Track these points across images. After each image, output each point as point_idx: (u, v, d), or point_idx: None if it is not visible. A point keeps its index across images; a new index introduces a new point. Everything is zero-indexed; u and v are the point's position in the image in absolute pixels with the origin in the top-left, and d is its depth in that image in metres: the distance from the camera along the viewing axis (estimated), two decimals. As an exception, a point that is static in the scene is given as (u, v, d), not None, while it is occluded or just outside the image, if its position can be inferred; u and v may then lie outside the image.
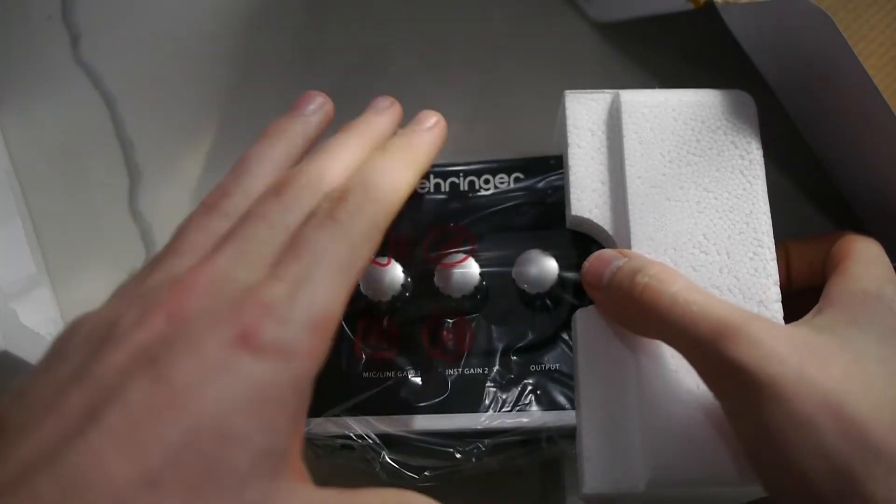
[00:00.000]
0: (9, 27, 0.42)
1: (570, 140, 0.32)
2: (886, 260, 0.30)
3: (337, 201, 0.26)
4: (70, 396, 0.22)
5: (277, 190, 0.26)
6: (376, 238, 0.26)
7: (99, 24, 0.42)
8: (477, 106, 0.41)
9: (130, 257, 0.39)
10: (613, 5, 0.39)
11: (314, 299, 0.23)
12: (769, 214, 0.31)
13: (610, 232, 0.31)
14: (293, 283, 0.23)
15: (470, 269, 0.32)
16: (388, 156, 0.28)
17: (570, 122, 0.33)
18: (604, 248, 0.32)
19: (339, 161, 0.28)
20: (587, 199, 0.32)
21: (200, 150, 0.41)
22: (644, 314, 0.28)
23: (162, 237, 0.39)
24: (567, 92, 0.33)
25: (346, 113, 0.30)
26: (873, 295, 0.28)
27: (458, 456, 0.31)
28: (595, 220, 0.32)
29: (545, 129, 0.37)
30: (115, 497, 0.20)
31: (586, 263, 0.30)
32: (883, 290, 0.29)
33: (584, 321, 0.30)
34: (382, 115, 0.31)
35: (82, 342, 0.23)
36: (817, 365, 0.25)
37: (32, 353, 0.33)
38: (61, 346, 0.24)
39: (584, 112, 0.33)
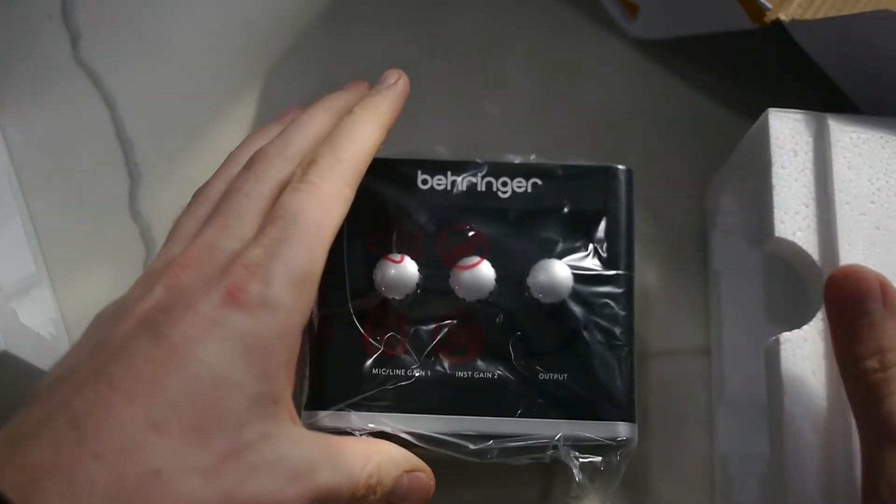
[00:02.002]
0: (9, 27, 0.42)
1: (773, 159, 0.31)
2: None
3: (308, 166, 0.28)
4: (85, 363, 0.25)
5: (249, 164, 0.29)
6: (347, 194, 0.28)
7: (99, 24, 0.42)
8: (511, 130, 0.41)
9: (130, 257, 0.39)
10: (662, 23, 0.39)
11: (293, 257, 0.26)
12: None
13: (815, 257, 0.30)
14: (272, 244, 0.26)
15: (485, 273, 0.31)
16: (354, 117, 0.30)
17: (773, 141, 0.32)
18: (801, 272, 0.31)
19: (306, 130, 0.30)
20: (791, 220, 0.31)
21: (200, 150, 0.41)
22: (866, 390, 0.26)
23: (162, 237, 0.39)
24: (770, 110, 0.32)
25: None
26: None
27: (459, 455, 0.31)
28: (800, 244, 0.31)
29: (589, 146, 0.37)
30: (124, 438, 0.23)
31: (846, 274, 0.27)
32: None
33: (794, 349, 0.29)
34: (350, 91, 0.33)
35: (99, 324, 0.26)
36: None
37: (32, 353, 0.33)
38: (86, 332, 0.27)
39: (788, 132, 0.32)
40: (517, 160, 0.34)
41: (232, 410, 0.24)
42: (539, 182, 0.33)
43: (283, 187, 0.28)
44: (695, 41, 0.38)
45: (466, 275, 0.31)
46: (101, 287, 0.39)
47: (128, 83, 0.41)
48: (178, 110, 0.41)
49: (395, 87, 0.32)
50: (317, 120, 0.31)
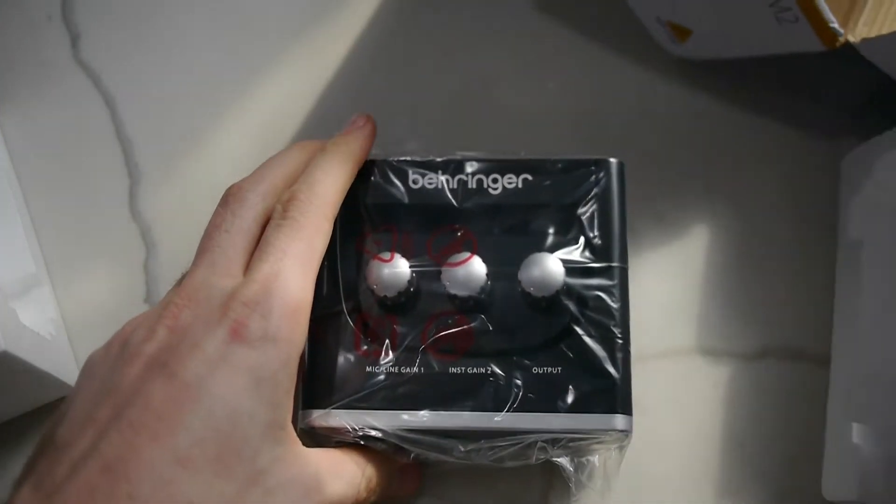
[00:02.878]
0: (9, 27, 0.42)
1: None
2: None
3: (287, 202, 0.30)
4: (101, 407, 0.26)
5: (224, 202, 0.31)
6: (326, 228, 0.30)
7: (99, 24, 0.42)
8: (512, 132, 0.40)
9: (130, 257, 0.39)
10: (714, 46, 0.38)
11: (287, 291, 0.27)
12: None
13: None
14: (266, 280, 0.27)
15: (476, 269, 0.31)
16: (327, 155, 0.32)
17: None
18: None
19: (278, 167, 0.32)
20: None
21: (200, 150, 0.41)
22: None
23: (162, 237, 0.39)
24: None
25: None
26: None
27: (452, 452, 0.31)
28: None
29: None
30: (154, 476, 0.24)
31: None
32: None
33: None
34: (314, 142, 0.34)
35: (104, 363, 0.27)
36: None
37: (32, 353, 0.33)
38: (89, 369, 0.28)
39: None
40: (507, 157, 0.34)
41: (247, 440, 0.25)
42: (529, 177, 0.33)
43: (259, 222, 0.30)
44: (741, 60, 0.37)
45: (458, 271, 0.31)
46: (101, 287, 0.39)
47: (128, 83, 0.41)
48: (178, 110, 0.41)
49: (364, 128, 0.34)
50: (289, 158, 0.33)
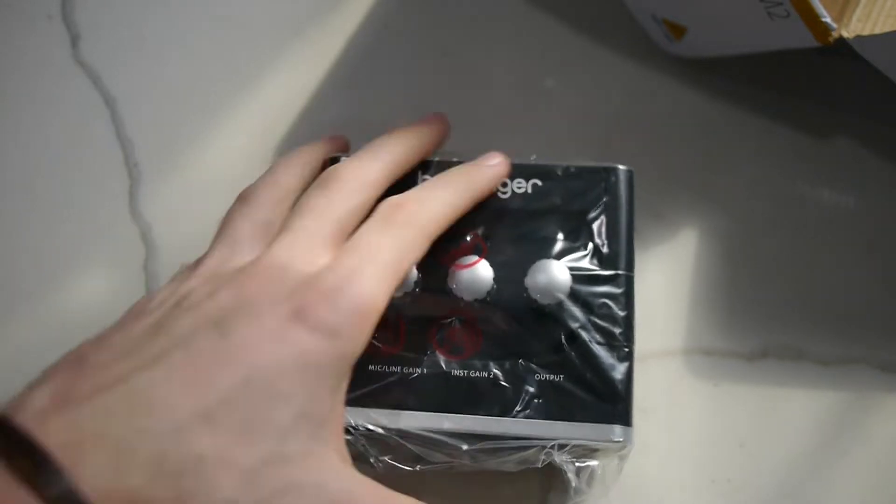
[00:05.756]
0: (9, 27, 0.42)
1: None
2: None
3: (395, 207, 0.29)
4: (144, 344, 0.25)
5: (323, 184, 0.30)
6: (423, 247, 0.29)
7: (99, 24, 0.42)
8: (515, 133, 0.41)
9: (130, 257, 0.39)
10: (709, 43, 0.38)
11: (363, 290, 0.26)
12: None
13: None
14: (347, 274, 0.27)
15: (483, 273, 0.31)
16: (448, 179, 0.32)
17: None
18: None
19: (380, 160, 0.31)
20: None
21: (200, 151, 0.41)
22: None
23: (162, 237, 0.39)
24: None
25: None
26: None
27: (452, 455, 0.31)
28: None
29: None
30: (174, 422, 0.23)
31: None
32: None
33: None
34: (428, 127, 0.34)
35: (156, 308, 0.27)
36: None
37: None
38: (137, 310, 0.27)
39: None
40: (517, 161, 0.34)
41: (278, 421, 0.24)
42: (539, 183, 0.33)
43: (356, 214, 0.29)
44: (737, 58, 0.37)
45: (464, 274, 0.31)
46: (101, 287, 0.39)
47: (128, 83, 0.41)
48: (178, 110, 0.41)
49: (496, 168, 0.33)
50: (391, 150, 0.31)
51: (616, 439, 0.31)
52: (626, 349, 0.32)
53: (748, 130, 0.40)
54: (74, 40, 0.42)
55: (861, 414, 0.36)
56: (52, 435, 0.22)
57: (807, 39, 0.33)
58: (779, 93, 0.40)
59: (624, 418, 0.31)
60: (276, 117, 0.41)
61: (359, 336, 0.26)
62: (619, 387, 0.31)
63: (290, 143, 0.40)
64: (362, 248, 0.28)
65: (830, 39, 0.32)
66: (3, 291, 0.38)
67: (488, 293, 0.32)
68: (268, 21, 0.42)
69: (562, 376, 0.31)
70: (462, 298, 0.32)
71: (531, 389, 0.31)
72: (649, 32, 0.40)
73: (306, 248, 0.28)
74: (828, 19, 0.32)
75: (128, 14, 0.42)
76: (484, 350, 0.31)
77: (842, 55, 0.33)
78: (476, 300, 0.32)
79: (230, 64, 0.42)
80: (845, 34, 0.32)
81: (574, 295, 0.32)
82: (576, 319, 0.31)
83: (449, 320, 0.32)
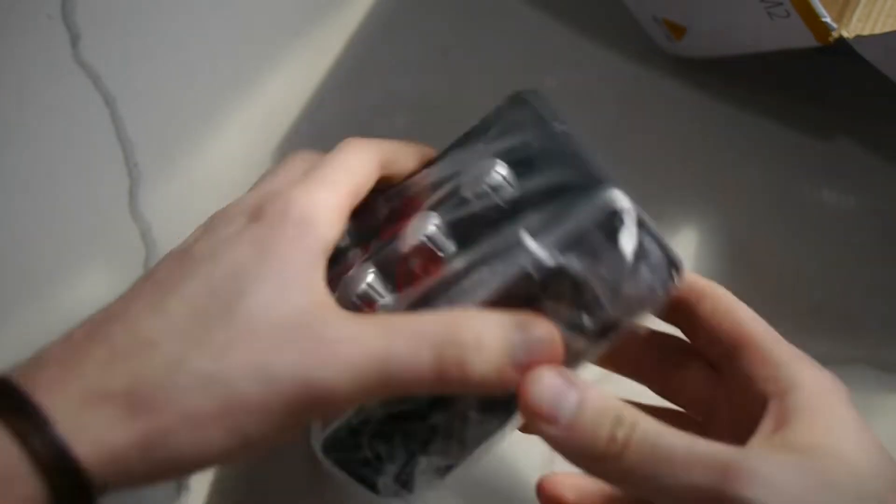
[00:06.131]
0: (9, 27, 0.42)
1: None
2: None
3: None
4: (244, 230, 0.27)
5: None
6: (373, 170, 0.31)
7: (99, 24, 0.42)
8: None
9: (130, 257, 0.39)
10: (710, 43, 0.38)
11: (321, 190, 0.28)
12: None
13: None
14: (305, 179, 0.28)
15: (422, 221, 0.30)
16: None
17: None
18: None
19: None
20: None
21: (200, 150, 0.41)
22: (627, 472, 0.24)
23: (162, 237, 0.39)
24: None
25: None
26: (829, 389, 0.28)
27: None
28: None
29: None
30: (132, 327, 0.25)
31: (529, 387, 0.25)
32: (833, 385, 0.29)
33: None
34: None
35: (240, 210, 0.28)
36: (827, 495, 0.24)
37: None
38: (221, 216, 0.29)
39: None
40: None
41: (242, 292, 0.25)
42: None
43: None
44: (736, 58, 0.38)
45: (405, 230, 0.30)
46: (101, 287, 0.39)
47: (128, 83, 0.41)
48: (178, 110, 0.41)
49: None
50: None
51: None
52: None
53: (748, 130, 0.40)
54: (74, 40, 0.42)
55: (861, 414, 0.36)
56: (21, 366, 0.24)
57: (807, 39, 0.33)
58: (779, 93, 0.40)
59: None
60: (276, 117, 0.41)
61: (318, 219, 0.27)
62: None
63: (291, 144, 0.40)
64: (326, 163, 0.29)
65: (830, 39, 0.32)
66: (4, 291, 0.38)
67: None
68: (268, 21, 0.42)
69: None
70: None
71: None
72: (649, 32, 0.40)
73: (279, 179, 0.30)
74: (828, 19, 0.32)
75: (128, 14, 0.42)
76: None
77: (842, 55, 0.33)
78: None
79: (230, 64, 0.42)
80: (845, 34, 0.32)
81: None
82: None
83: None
